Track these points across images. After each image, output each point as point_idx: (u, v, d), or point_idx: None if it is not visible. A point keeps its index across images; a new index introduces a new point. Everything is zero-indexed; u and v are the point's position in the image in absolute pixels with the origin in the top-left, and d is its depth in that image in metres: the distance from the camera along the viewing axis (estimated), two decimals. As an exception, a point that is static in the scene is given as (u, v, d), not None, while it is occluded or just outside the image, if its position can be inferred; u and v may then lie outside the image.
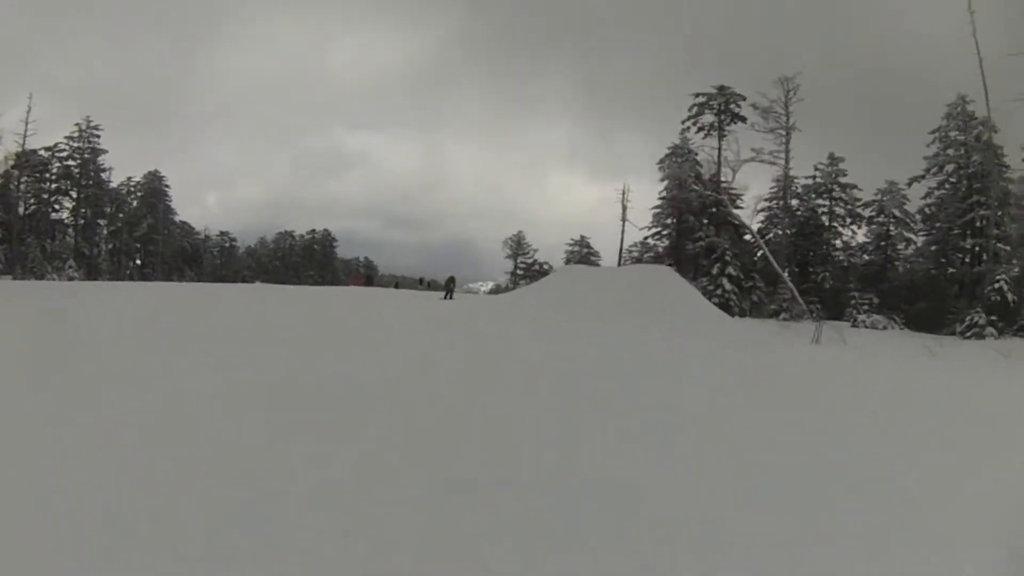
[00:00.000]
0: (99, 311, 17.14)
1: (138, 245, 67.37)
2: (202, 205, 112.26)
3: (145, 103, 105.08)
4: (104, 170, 61.37)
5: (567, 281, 30.11)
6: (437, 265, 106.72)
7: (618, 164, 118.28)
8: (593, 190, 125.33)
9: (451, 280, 33.70)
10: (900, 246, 46.08)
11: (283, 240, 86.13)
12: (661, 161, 53.42)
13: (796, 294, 38.07)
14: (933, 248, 42.75)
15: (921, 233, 44.93)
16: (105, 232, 64.12)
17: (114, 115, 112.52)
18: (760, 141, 43.41)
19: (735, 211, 46.50)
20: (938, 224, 42.41)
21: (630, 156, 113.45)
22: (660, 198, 54.22)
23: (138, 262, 68.78)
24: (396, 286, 61.86)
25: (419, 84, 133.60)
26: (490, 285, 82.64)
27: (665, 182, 53.31)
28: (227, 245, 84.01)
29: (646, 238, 56.30)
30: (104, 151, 60.82)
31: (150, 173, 67.58)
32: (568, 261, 70.57)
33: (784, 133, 43.04)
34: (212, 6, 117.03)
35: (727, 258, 45.09)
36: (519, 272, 74.34)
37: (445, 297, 31.09)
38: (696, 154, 49.39)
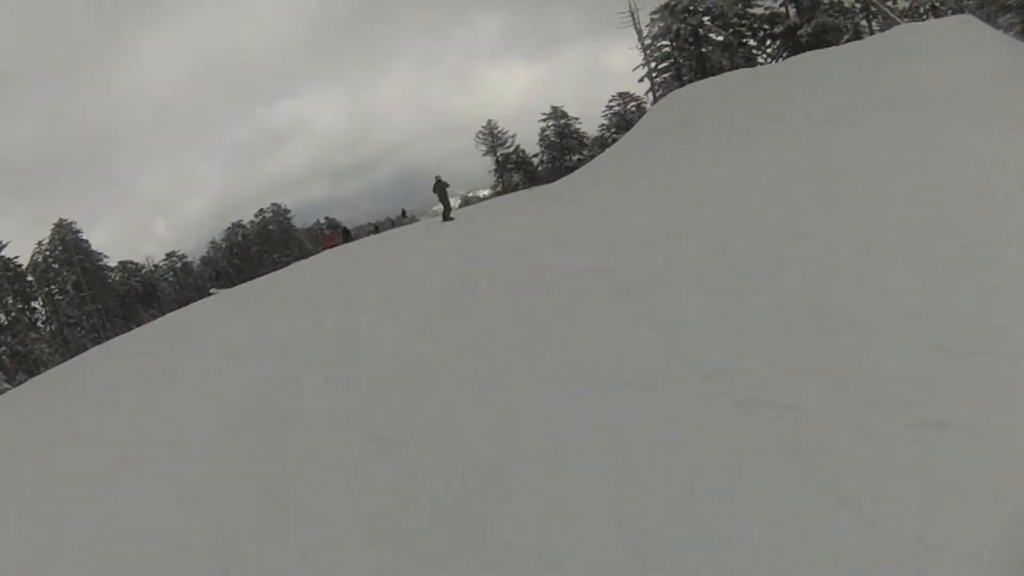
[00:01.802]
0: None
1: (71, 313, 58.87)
2: (153, 237, 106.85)
3: (55, 164, 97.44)
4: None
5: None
6: (397, 201, 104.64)
7: (555, 40, 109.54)
8: (534, 73, 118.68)
9: (440, 185, 23.14)
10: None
11: (234, 234, 76.59)
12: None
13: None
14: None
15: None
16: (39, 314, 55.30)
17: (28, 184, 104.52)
18: None
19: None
20: None
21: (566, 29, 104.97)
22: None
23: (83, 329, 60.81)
24: (376, 230, 53.64)
25: (318, 35, 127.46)
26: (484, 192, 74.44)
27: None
28: (178, 265, 74.93)
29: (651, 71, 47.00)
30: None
31: (57, 225, 58.23)
32: (546, 138, 63.10)
33: None
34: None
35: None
36: (507, 165, 65.15)
37: (445, 219, 22.84)
38: None
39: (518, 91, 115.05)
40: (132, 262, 70.13)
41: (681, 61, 43.88)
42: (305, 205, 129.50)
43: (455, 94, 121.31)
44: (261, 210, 76.39)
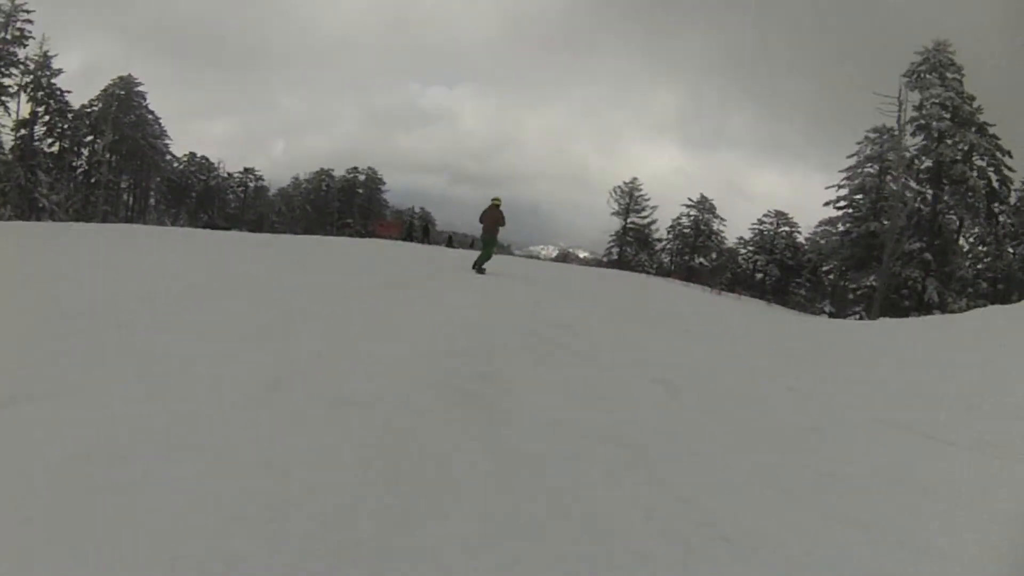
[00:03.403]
0: None
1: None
2: (267, 154, 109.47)
3: (226, 43, 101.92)
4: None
5: None
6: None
7: (718, 138, 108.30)
8: (681, 161, 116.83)
9: (493, 216, 15.20)
10: None
11: (318, 180, 72.99)
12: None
13: None
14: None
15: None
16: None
17: (193, 55, 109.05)
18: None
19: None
20: None
21: (736, 133, 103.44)
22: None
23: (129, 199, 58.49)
24: (450, 241, 48.82)
25: (501, 40, 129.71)
26: (580, 253, 67.97)
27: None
28: (251, 185, 71.86)
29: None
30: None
31: (121, 78, 55.45)
32: (679, 227, 56.60)
33: None
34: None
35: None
36: (627, 236, 57.82)
37: (478, 267, 15.25)
38: None
39: (658, 174, 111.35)
40: (205, 157, 67.82)
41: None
42: (415, 190, 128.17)
43: (598, 149, 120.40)
44: (355, 168, 72.17)
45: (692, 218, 56.27)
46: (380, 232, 49.34)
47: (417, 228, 48.07)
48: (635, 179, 58.99)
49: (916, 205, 34.74)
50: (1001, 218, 33.75)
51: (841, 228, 41.77)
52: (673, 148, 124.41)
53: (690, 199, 56.69)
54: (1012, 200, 34.09)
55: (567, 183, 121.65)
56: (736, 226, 57.71)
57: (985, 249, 33.70)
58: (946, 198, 32.99)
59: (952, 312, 29.19)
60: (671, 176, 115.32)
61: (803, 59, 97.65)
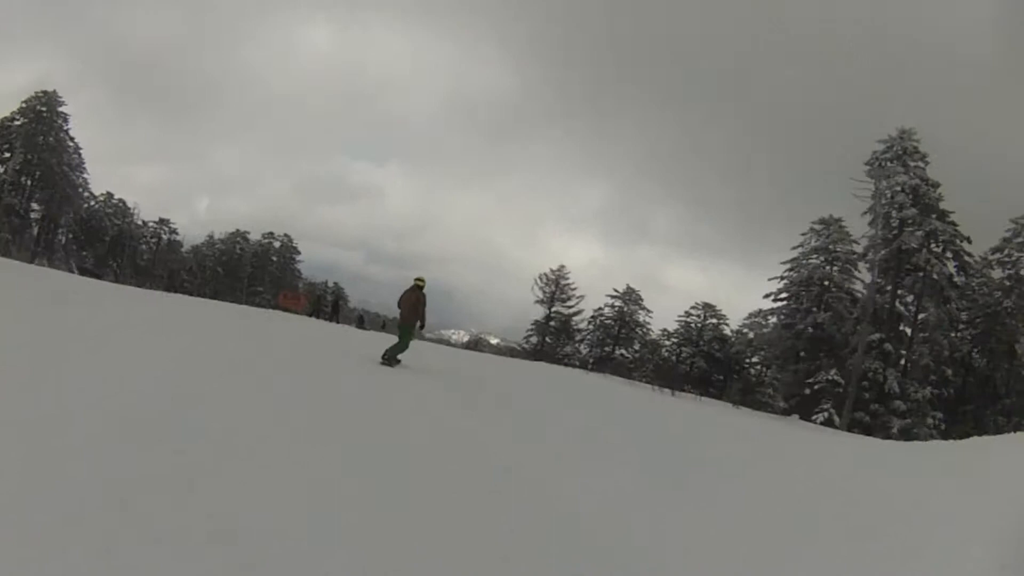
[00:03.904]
0: None
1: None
2: (189, 209, 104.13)
3: (169, 86, 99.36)
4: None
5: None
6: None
7: (639, 234, 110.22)
8: (599, 254, 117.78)
9: (414, 297, 12.91)
10: None
11: (232, 242, 67.94)
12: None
13: None
14: None
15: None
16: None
17: (133, 90, 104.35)
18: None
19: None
20: None
21: (657, 229, 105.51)
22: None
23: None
24: (361, 321, 44.25)
25: (443, 125, 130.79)
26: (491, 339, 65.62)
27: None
28: (165, 238, 66.27)
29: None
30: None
31: (44, 93, 50.84)
32: (600, 318, 54.90)
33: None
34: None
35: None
36: (550, 324, 55.68)
37: (389, 358, 12.53)
38: None
39: (576, 266, 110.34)
40: (122, 200, 62.84)
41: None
42: (329, 264, 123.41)
43: (517, 238, 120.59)
44: (271, 234, 67.83)
45: (616, 308, 54.34)
46: (284, 304, 43.55)
47: (327, 303, 43.11)
48: (562, 267, 57.12)
49: (873, 295, 33.22)
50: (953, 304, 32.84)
51: (781, 320, 40.69)
52: (592, 241, 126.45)
53: (615, 289, 55.01)
54: (974, 285, 33.50)
55: (482, 269, 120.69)
56: (653, 319, 55.21)
57: (946, 336, 32.09)
58: (901, 288, 31.11)
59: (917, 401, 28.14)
60: (588, 268, 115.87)
61: (727, 161, 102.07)
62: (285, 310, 36.50)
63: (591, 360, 50.33)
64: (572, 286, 56.54)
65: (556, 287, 56.19)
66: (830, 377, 31.01)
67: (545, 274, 56.67)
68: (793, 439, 15.96)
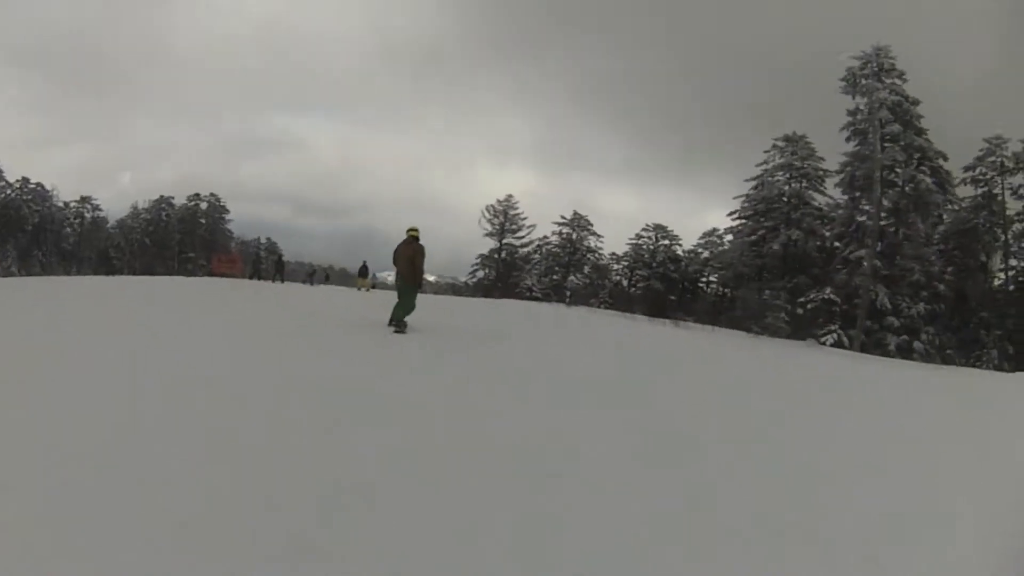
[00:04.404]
0: None
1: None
2: (113, 185, 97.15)
3: (80, 62, 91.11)
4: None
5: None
6: (350, 254, 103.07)
7: (573, 162, 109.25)
8: (537, 185, 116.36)
9: (411, 251, 11.15)
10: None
11: (158, 210, 63.00)
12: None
13: None
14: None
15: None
16: None
17: (45, 71, 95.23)
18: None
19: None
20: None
21: (590, 155, 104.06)
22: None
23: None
24: (311, 276, 40.52)
25: (365, 70, 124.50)
26: (430, 277, 64.12)
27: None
28: (88, 216, 61.12)
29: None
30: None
31: None
32: (547, 247, 53.41)
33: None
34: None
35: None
36: (502, 255, 53.56)
37: (397, 323, 11.08)
38: None
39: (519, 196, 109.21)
40: (40, 184, 57.08)
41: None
42: (259, 220, 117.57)
43: (449, 176, 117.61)
44: (197, 195, 63.06)
45: (564, 236, 52.93)
46: (218, 269, 39.24)
47: (266, 262, 39.01)
48: (510, 197, 54.85)
49: (851, 212, 32.79)
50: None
51: (745, 239, 39.78)
52: (526, 172, 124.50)
53: (562, 216, 53.60)
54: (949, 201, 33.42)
55: (414, 210, 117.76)
56: (604, 243, 54.30)
57: (933, 252, 32.03)
58: (888, 203, 30.70)
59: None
60: (523, 198, 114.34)
61: (663, 87, 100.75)
62: (221, 275, 33.21)
63: (539, 289, 48.81)
64: (522, 216, 54.51)
65: (505, 218, 54.05)
66: (826, 296, 30.12)
67: (492, 206, 54.46)
68: (871, 373, 14.56)
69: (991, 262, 33.68)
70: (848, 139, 32.29)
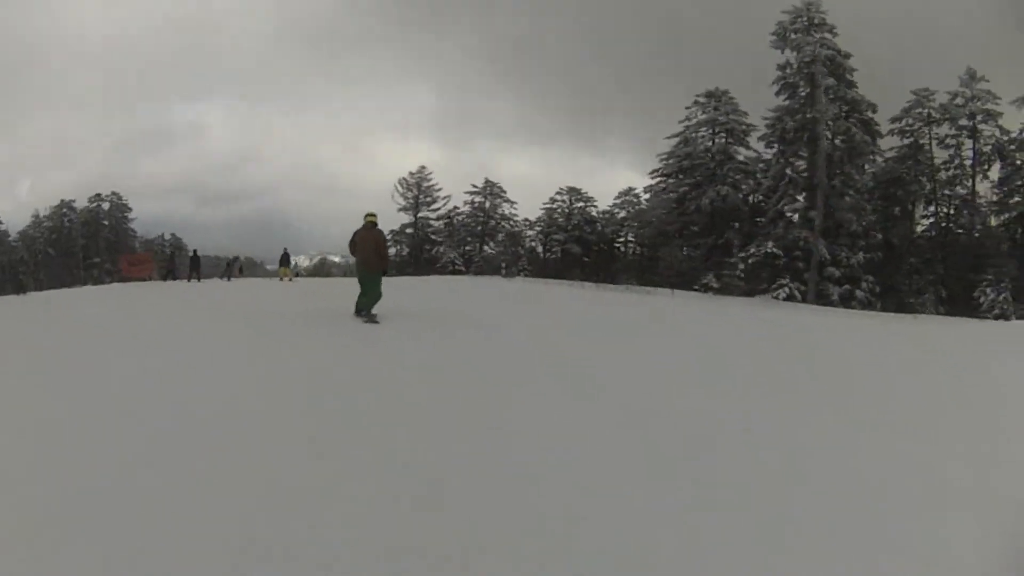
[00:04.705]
0: None
1: None
2: (10, 196, 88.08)
3: None
4: None
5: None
6: (251, 241, 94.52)
7: (472, 130, 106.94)
8: (439, 156, 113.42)
9: (370, 236, 11.01)
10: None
11: (59, 216, 58.40)
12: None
13: None
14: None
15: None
16: None
17: None
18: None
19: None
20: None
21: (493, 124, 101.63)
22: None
23: None
24: (228, 268, 36.59)
25: (256, 54, 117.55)
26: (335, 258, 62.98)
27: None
28: (-11, 230, 56.34)
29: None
30: None
31: None
32: (460, 216, 51.55)
33: None
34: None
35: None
36: (411, 231, 51.43)
37: (365, 312, 10.87)
38: None
39: (415, 168, 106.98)
40: None
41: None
42: (160, 217, 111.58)
43: (348, 154, 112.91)
44: (99, 195, 58.57)
45: (476, 204, 51.06)
46: (129, 272, 34.82)
47: (172, 260, 34.93)
48: (423, 168, 52.58)
49: (781, 167, 32.79)
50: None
51: (669, 196, 39.63)
52: (427, 143, 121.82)
53: (473, 185, 51.44)
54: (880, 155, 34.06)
55: (315, 191, 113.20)
56: (518, 210, 52.10)
57: (868, 201, 32.62)
58: (817, 156, 31.08)
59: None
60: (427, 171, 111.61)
61: (563, 48, 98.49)
62: (132, 279, 30.27)
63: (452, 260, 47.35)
64: (436, 188, 52.35)
65: (419, 191, 51.90)
66: (768, 250, 29.97)
67: (404, 179, 52.19)
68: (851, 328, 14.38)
69: (915, 210, 34.76)
70: (778, 93, 32.52)
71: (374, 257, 10.71)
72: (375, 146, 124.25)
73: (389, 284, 12.64)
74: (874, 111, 32.70)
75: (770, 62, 32.49)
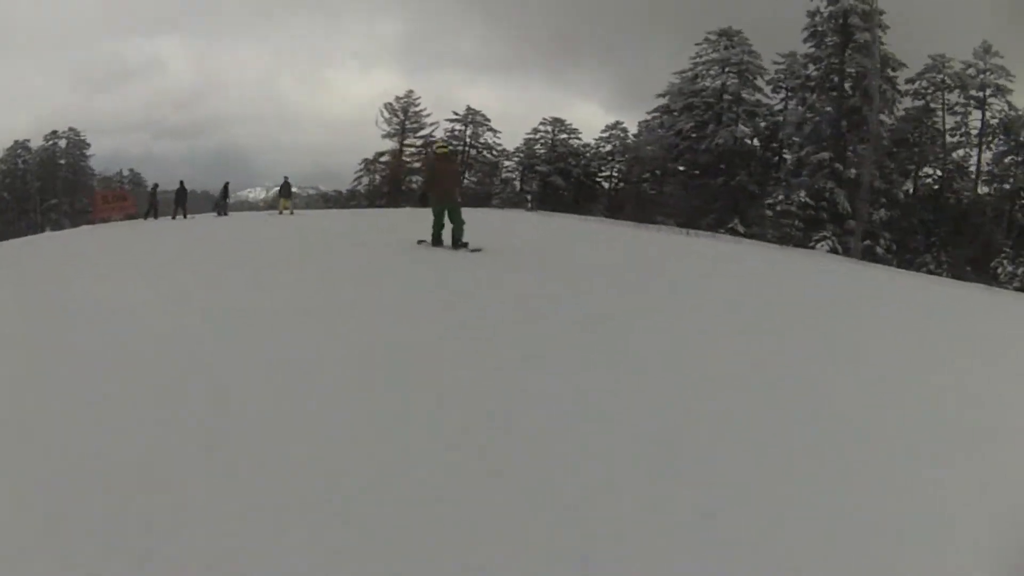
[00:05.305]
0: None
1: None
2: None
3: None
4: None
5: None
6: (212, 175, 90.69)
7: (440, 58, 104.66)
8: (404, 85, 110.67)
9: (446, 166, 11.73)
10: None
11: (13, 158, 54.57)
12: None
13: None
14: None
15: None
16: None
17: None
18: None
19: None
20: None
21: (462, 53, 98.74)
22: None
23: None
24: (223, 199, 32.12)
25: None
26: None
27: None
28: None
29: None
30: None
31: None
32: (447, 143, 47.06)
33: None
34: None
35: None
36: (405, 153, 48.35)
37: (456, 243, 10.99)
38: None
39: (376, 102, 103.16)
40: None
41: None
42: (117, 153, 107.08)
43: (307, 85, 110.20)
44: (55, 133, 54.60)
45: (457, 133, 48.49)
46: (103, 212, 30.11)
47: (155, 195, 30.99)
48: (411, 92, 49.14)
49: (805, 114, 32.32)
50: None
51: (669, 132, 37.99)
52: (392, 73, 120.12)
53: (455, 112, 48.76)
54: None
55: (274, 122, 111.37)
56: (502, 138, 49.66)
57: (890, 157, 32.64)
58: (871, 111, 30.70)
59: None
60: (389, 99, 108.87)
61: None
62: (106, 220, 27.15)
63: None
64: (424, 113, 48.99)
65: (405, 116, 48.45)
66: (801, 199, 29.48)
67: (390, 104, 48.67)
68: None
69: (917, 172, 34.93)
70: (805, 40, 32.18)
71: (453, 185, 11.02)
72: (336, 77, 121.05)
73: (416, 214, 12.03)
74: (898, 69, 32.40)
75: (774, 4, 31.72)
